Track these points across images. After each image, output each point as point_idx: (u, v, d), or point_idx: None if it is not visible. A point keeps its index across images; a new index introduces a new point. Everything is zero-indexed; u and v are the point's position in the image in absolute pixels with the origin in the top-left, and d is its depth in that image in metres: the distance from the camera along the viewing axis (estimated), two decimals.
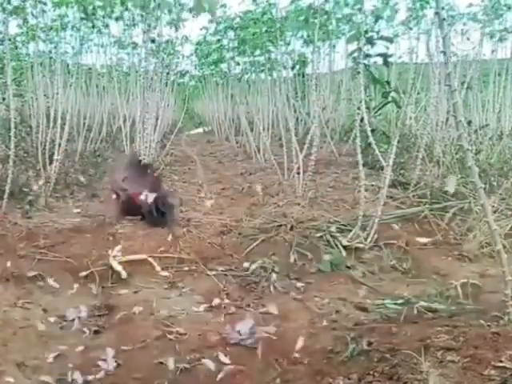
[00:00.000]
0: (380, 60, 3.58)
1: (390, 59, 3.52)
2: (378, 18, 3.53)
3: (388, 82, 3.43)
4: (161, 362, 2.23)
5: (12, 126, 4.45)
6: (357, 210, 3.90)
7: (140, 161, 4.85)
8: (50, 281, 3.12)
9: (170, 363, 2.20)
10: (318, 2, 4.69)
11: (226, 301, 2.96)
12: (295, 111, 7.65)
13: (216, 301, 2.92)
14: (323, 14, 4.87)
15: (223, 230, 4.08)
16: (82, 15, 5.65)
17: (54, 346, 2.38)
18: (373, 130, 4.18)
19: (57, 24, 6.27)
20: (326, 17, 5.10)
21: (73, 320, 2.63)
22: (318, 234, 3.79)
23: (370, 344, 2.24)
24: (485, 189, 2.23)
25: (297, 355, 2.29)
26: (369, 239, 3.57)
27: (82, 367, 2.18)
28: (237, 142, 9.97)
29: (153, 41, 5.65)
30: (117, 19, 6.41)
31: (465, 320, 2.35)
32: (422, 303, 2.67)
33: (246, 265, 3.43)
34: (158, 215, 3.99)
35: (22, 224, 4.08)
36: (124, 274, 3.25)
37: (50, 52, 7.77)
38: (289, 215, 4.26)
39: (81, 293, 3.05)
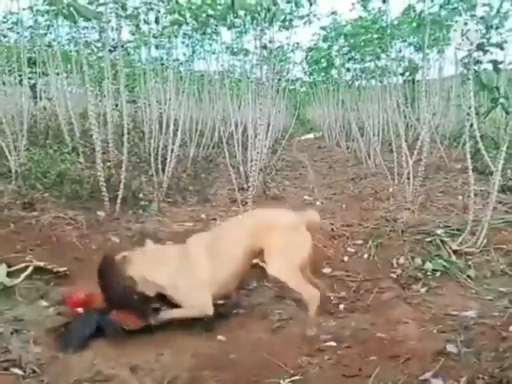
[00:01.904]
0: (489, 66, 3.59)
1: (500, 65, 3.52)
2: (488, 26, 3.55)
3: (497, 88, 3.43)
4: None
5: (125, 131, 4.54)
6: (466, 214, 3.90)
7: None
8: None
9: None
10: (427, 9, 4.71)
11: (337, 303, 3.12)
12: (405, 117, 7.57)
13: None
14: (434, 21, 4.84)
15: (334, 235, 4.21)
16: (194, 23, 5.56)
17: None
18: (482, 136, 4.16)
19: (169, 31, 6.21)
20: (437, 24, 5.06)
21: None
22: (428, 239, 3.84)
23: (479, 347, 2.32)
24: None
25: (407, 356, 2.35)
26: (478, 244, 3.58)
27: None
28: (347, 148, 9.99)
29: (264, 47, 5.51)
30: (229, 28, 6.24)
31: None
32: None
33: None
34: None
35: (135, 229, 4.16)
36: None
37: (162, 58, 7.78)
38: (399, 220, 4.33)
39: None
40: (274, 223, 2.86)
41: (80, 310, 2.79)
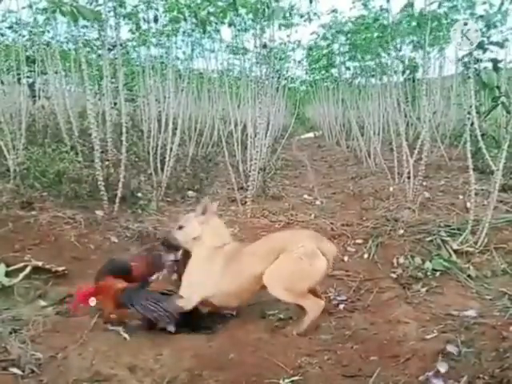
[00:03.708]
0: (490, 65, 3.57)
1: (500, 64, 3.50)
2: (488, 24, 3.53)
3: (498, 87, 3.41)
4: None
5: (124, 130, 4.51)
6: (467, 214, 3.90)
7: None
8: None
9: None
10: (429, 8, 4.70)
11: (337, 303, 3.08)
12: (405, 116, 7.52)
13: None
14: (435, 19, 4.83)
15: (334, 234, 4.20)
16: (194, 20, 5.41)
17: None
18: (483, 135, 4.15)
19: (168, 29, 6.22)
20: (437, 22, 5.05)
21: None
22: (429, 238, 3.82)
23: (480, 347, 2.30)
24: None
25: (407, 356, 2.35)
26: (479, 243, 3.57)
27: None
28: (347, 147, 9.97)
29: (264, 46, 5.51)
30: (229, 25, 6.24)
31: None
32: None
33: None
34: None
35: (134, 228, 4.14)
36: None
37: (161, 57, 7.81)
38: (399, 219, 4.32)
39: None
40: (287, 247, 2.69)
41: (91, 301, 2.73)
